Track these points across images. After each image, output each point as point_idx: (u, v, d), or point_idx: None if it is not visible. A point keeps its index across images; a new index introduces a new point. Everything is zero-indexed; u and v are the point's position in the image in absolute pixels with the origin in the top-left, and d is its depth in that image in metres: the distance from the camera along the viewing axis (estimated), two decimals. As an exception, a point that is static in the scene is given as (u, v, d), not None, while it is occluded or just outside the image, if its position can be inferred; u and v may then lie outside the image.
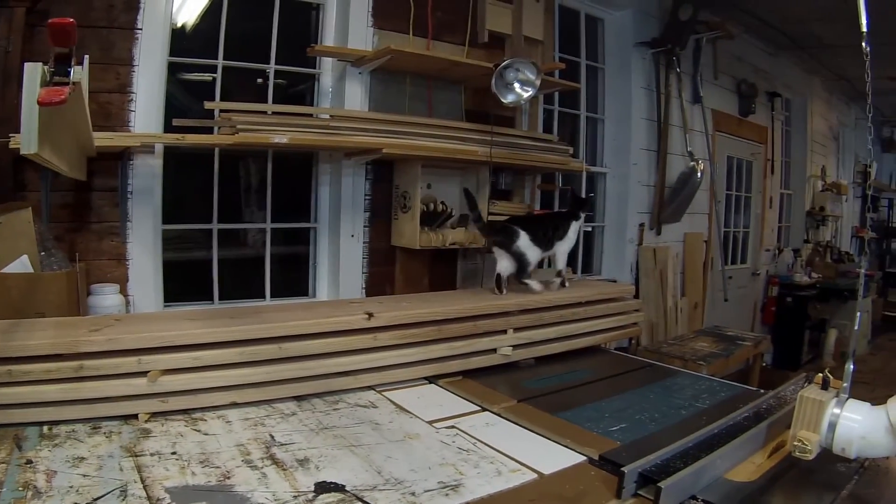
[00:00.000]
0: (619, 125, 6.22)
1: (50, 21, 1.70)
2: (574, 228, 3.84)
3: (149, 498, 1.67)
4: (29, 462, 1.83)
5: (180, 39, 3.80)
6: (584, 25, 6.01)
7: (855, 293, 7.85)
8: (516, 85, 4.19)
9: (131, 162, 3.51)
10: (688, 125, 6.69)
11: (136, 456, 1.93)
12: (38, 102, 1.67)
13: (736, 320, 7.88)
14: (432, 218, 4.22)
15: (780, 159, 9.33)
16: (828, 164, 10.79)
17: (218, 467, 1.89)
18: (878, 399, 1.87)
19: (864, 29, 2.13)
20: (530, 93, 4.20)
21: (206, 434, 2.17)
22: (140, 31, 3.47)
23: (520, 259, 3.58)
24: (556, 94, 5.61)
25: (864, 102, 2.46)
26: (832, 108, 10.95)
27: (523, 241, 3.57)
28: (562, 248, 3.82)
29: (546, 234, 3.70)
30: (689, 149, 6.66)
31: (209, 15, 3.92)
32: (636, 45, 6.16)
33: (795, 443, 1.93)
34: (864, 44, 2.14)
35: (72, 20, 1.72)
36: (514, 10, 4.80)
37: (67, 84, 1.77)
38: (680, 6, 6.21)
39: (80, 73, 1.85)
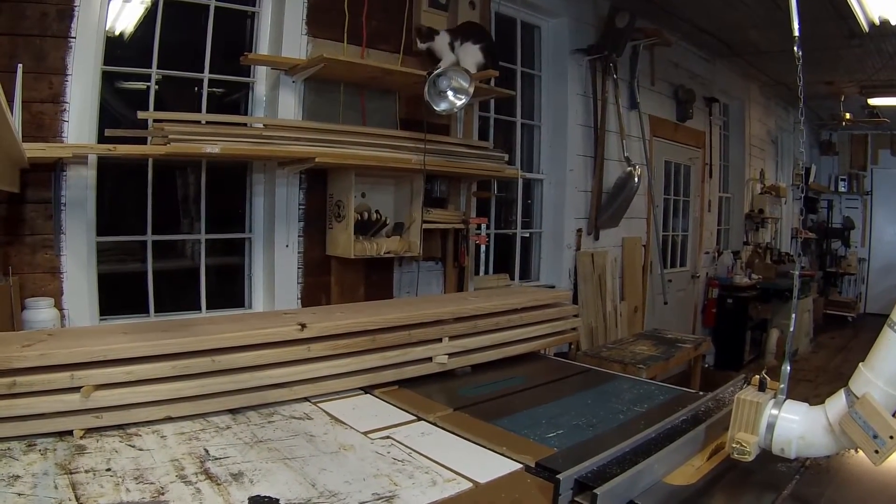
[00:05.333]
0: (556, 132, 6.28)
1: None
2: None
3: (84, 516, 1.66)
4: (-36, 482, 1.81)
5: (115, 48, 3.73)
6: (520, 33, 6.06)
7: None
8: (449, 93, 4.20)
9: (64, 173, 3.43)
10: (624, 131, 6.78)
11: (71, 473, 1.91)
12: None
13: (676, 323, 8.01)
14: (367, 227, 4.21)
15: (719, 163, 9.50)
16: (766, 168, 11.02)
17: (152, 483, 1.88)
18: (821, 396, 1.91)
19: (796, 34, 2.18)
20: (463, 101, 4.22)
21: (140, 449, 2.14)
22: (74, 40, 3.38)
23: None
24: (492, 102, 5.62)
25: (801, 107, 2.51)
26: (770, 112, 11.19)
27: None
28: None
29: None
30: (625, 154, 6.74)
31: (144, 23, 3.87)
32: (573, 52, 6.23)
33: (734, 445, 1.96)
34: (795, 48, 2.20)
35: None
36: (449, 17, 4.82)
37: (-18, 97, 1.76)
38: (616, 14, 6.30)
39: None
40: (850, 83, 9.74)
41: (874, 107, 11.00)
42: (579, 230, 6.38)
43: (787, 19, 2.18)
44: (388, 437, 2.41)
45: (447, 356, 3.23)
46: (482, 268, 5.74)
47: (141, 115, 3.54)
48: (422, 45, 4.49)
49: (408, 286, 4.80)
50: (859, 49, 7.68)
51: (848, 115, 11.37)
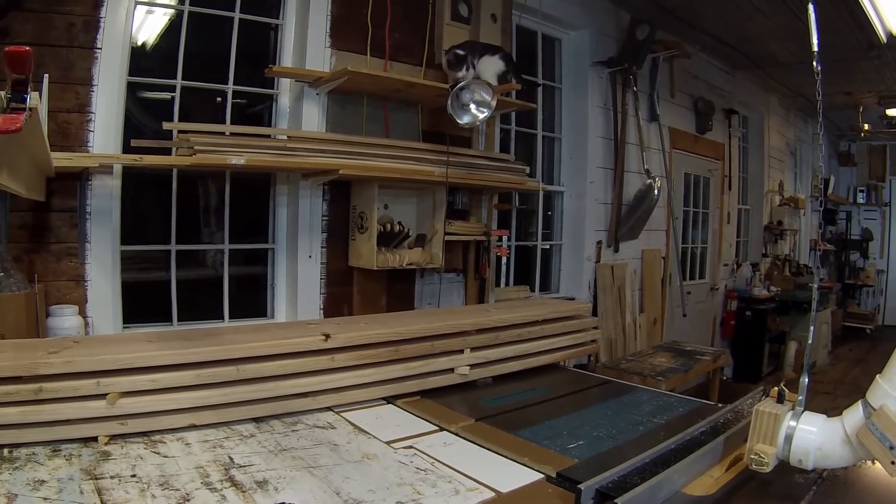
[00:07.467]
0: (576, 144, 6.28)
1: (7, 49, 1.70)
2: None
3: (109, 521, 1.67)
4: (-10, 485, 1.83)
5: (139, 59, 3.77)
6: (541, 45, 6.08)
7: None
8: (472, 106, 4.21)
9: (90, 182, 3.46)
10: (644, 143, 6.78)
11: (97, 479, 1.93)
12: (-6, 131, 1.67)
13: (695, 335, 7.98)
14: (389, 238, 4.22)
15: (738, 175, 9.48)
16: (785, 179, 10.98)
17: (177, 489, 1.89)
18: (840, 408, 1.92)
19: (815, 49, 2.18)
20: (486, 113, 4.22)
21: (165, 456, 2.16)
22: (99, 51, 3.41)
23: None
24: (513, 114, 5.64)
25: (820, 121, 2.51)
26: (789, 124, 11.14)
27: None
28: None
29: None
30: (645, 166, 6.75)
31: (168, 34, 3.90)
32: (593, 64, 6.24)
33: (752, 456, 1.97)
34: (815, 63, 2.20)
35: (28, 49, 1.72)
36: (471, 30, 4.82)
37: (24, 110, 1.78)
38: (636, 26, 6.30)
39: (36, 100, 1.86)
40: (869, 94, 9.70)
41: (893, 118, 10.95)
42: (599, 242, 6.38)
43: (805, 30, 2.18)
44: (410, 447, 2.43)
45: (469, 367, 3.24)
46: (503, 279, 5.76)
47: (166, 125, 3.57)
48: (458, 74, 4.33)
49: (429, 297, 4.80)
50: (878, 60, 7.65)
51: (867, 126, 11.33)
